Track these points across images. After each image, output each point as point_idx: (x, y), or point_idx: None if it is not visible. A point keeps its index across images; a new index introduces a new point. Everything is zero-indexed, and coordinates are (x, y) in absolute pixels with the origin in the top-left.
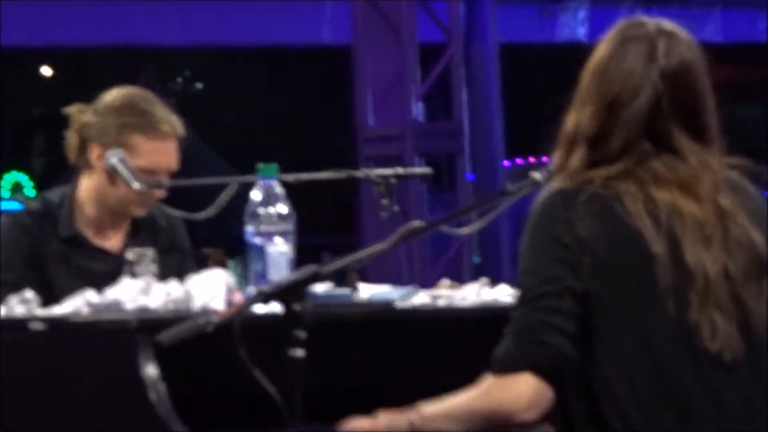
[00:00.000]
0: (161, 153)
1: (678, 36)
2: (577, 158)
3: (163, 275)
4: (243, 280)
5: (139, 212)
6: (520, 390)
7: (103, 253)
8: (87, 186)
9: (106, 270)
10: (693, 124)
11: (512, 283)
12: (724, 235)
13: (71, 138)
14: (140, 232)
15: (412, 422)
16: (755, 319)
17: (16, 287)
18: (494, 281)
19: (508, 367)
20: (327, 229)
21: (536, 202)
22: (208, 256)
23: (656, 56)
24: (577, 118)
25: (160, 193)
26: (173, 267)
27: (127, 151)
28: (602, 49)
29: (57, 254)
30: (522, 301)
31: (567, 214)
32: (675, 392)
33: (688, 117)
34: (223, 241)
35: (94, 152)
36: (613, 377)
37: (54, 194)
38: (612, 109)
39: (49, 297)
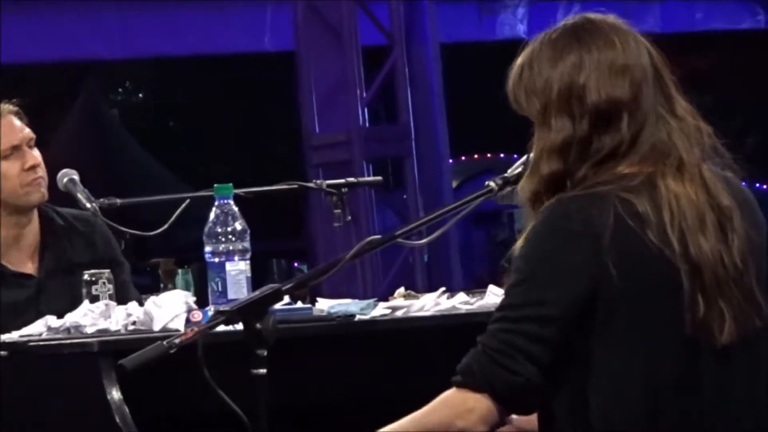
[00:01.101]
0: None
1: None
2: (603, 151)
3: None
4: (192, 288)
5: (34, 198)
6: (474, 405)
7: (21, 277)
8: None
9: (30, 295)
10: (675, 93)
11: (464, 282)
12: (718, 226)
13: None
14: (49, 243)
15: None
16: (753, 310)
17: None
18: (444, 279)
19: (467, 382)
20: (274, 234)
21: (546, 210)
22: (157, 266)
23: (633, 37)
24: (577, 117)
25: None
26: (92, 244)
27: None
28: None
29: None
30: (503, 316)
31: (582, 228)
32: (674, 419)
33: (674, 87)
34: (172, 250)
35: None
36: (610, 400)
37: None
38: (630, 85)
39: None
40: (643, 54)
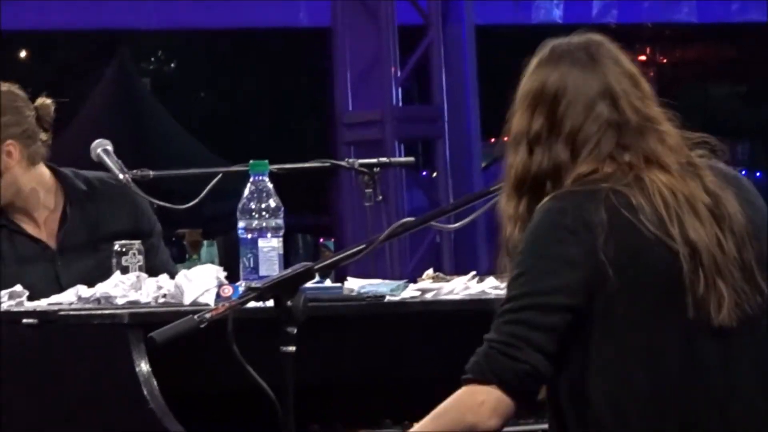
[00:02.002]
0: None
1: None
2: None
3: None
4: (216, 261)
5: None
6: (484, 398)
7: (32, 240)
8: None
9: (35, 255)
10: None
11: (490, 266)
12: (712, 211)
13: None
14: (74, 215)
15: None
16: (751, 292)
17: None
18: (470, 263)
19: (476, 377)
20: (301, 209)
21: (542, 205)
22: (183, 237)
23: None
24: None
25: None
26: (125, 215)
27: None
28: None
29: None
30: (505, 310)
31: (575, 222)
32: (681, 404)
33: (626, 96)
34: (199, 221)
35: None
36: (618, 388)
37: None
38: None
39: None
40: (623, 79)
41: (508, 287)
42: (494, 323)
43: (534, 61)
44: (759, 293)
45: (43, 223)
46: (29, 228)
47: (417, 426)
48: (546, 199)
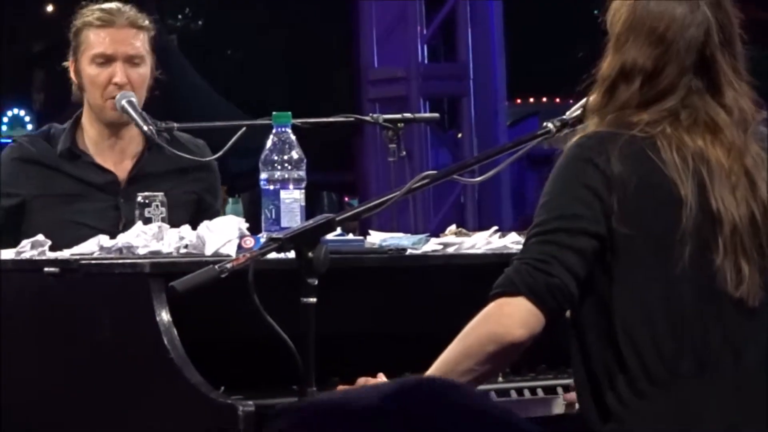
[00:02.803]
0: (110, 40)
1: None
2: (625, 96)
3: (177, 196)
4: (242, 216)
5: (111, 115)
6: (512, 309)
7: (102, 170)
8: (85, 109)
9: (102, 183)
10: (732, 54)
11: (513, 223)
12: (749, 185)
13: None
14: (150, 152)
15: None
16: None
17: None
18: (494, 220)
19: (505, 290)
20: (326, 166)
21: (570, 142)
22: None
23: (703, 14)
24: (621, 57)
25: (120, 80)
26: (190, 190)
27: (84, 50)
28: None
29: (50, 171)
30: (535, 233)
31: (599, 158)
32: (696, 340)
33: (730, 47)
34: (224, 178)
35: (71, 69)
36: (634, 322)
37: (65, 123)
38: (665, 42)
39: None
40: (697, 30)
41: (537, 213)
42: (523, 245)
43: None
44: None
45: (118, 161)
46: (104, 161)
47: (446, 351)
48: (576, 136)
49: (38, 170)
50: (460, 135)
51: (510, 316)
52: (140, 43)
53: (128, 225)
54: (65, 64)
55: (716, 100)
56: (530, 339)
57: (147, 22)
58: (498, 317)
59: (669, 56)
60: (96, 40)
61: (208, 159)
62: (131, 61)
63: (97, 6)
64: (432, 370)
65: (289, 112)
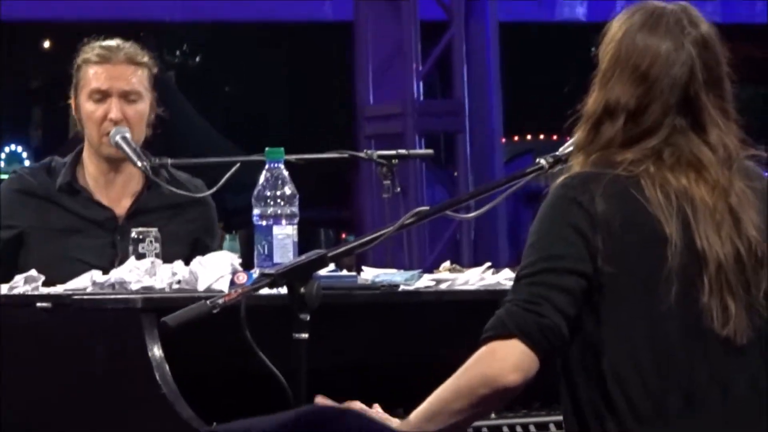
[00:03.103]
0: (106, 76)
1: (693, 9)
2: (609, 134)
3: (172, 231)
4: (239, 253)
5: (107, 150)
6: (506, 353)
7: (101, 206)
8: (85, 144)
9: (100, 219)
10: (718, 94)
11: (510, 261)
12: (734, 222)
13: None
14: (150, 191)
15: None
16: (764, 306)
17: None
18: (490, 258)
19: (497, 332)
20: (324, 203)
21: (555, 183)
22: None
23: (684, 26)
24: (605, 95)
25: (115, 116)
26: (187, 226)
27: (83, 87)
28: (623, 26)
29: (48, 205)
30: (523, 274)
31: (583, 197)
32: (682, 378)
33: (716, 86)
34: (221, 215)
35: (73, 105)
36: (621, 361)
37: (66, 157)
38: (648, 80)
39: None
40: (683, 76)
41: (524, 254)
42: (512, 288)
43: (635, 19)
44: (763, 307)
45: (116, 199)
46: (102, 197)
47: (432, 396)
48: (560, 177)
49: (37, 203)
50: (456, 173)
51: (503, 360)
52: (137, 80)
53: (124, 262)
54: (68, 101)
55: (701, 138)
56: (524, 383)
57: (146, 59)
58: (491, 361)
59: (653, 95)
60: (93, 77)
61: (203, 194)
62: (127, 97)
63: (98, 43)
64: (424, 407)
65: (282, 148)
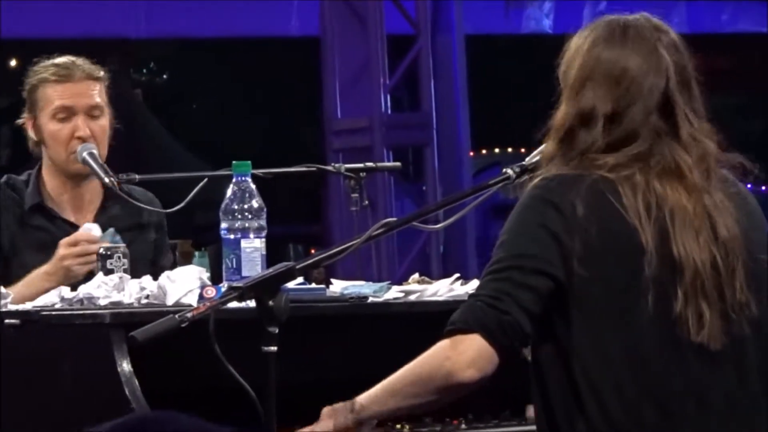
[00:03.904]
0: (69, 94)
1: (654, 17)
2: (587, 140)
3: (138, 250)
4: (208, 269)
5: (75, 167)
6: (464, 347)
7: (67, 223)
8: (45, 163)
9: (66, 236)
10: (690, 94)
11: (478, 273)
12: (711, 229)
13: (25, 124)
14: (109, 206)
15: (353, 409)
16: (739, 313)
17: None
18: (459, 270)
19: (457, 327)
20: (293, 218)
21: (531, 184)
22: (174, 247)
23: (653, 31)
24: (578, 104)
25: (84, 133)
26: (149, 242)
27: (43, 107)
28: (587, 39)
29: (19, 224)
30: (490, 270)
31: (560, 200)
32: (657, 386)
33: (687, 87)
34: (189, 231)
35: (28, 126)
36: (594, 367)
37: (22, 175)
38: (623, 84)
39: (6, 269)
40: (657, 76)
41: (494, 252)
42: (479, 283)
43: (600, 32)
44: (748, 316)
45: (80, 215)
46: (68, 215)
47: (393, 376)
48: (537, 178)
49: (11, 219)
50: (424, 186)
51: (461, 354)
52: (98, 94)
53: (90, 277)
54: (19, 122)
55: (678, 142)
56: (481, 379)
57: (102, 73)
58: (450, 354)
59: (631, 97)
60: (55, 95)
61: (170, 210)
62: (91, 113)
63: (50, 62)
64: (385, 383)
65: (249, 162)
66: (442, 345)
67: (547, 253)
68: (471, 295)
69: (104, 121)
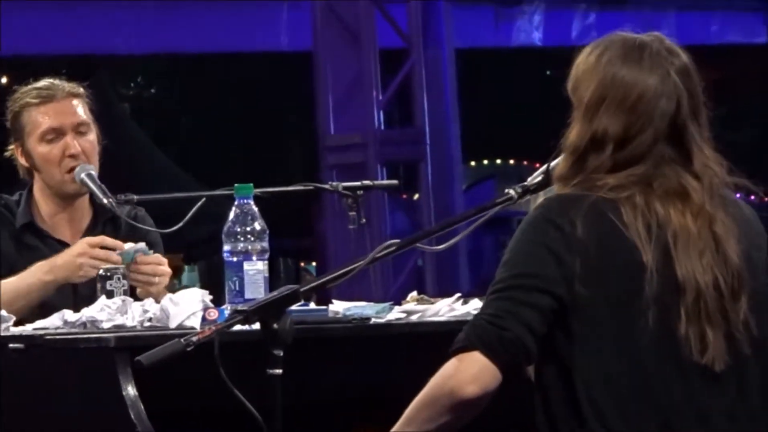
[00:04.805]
0: (55, 114)
1: (667, 39)
2: (596, 163)
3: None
4: (197, 285)
5: (72, 187)
6: (466, 365)
7: (61, 244)
8: (37, 185)
9: None
10: (701, 122)
11: (471, 287)
12: (715, 251)
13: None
14: (98, 225)
15: None
16: (742, 333)
17: None
18: (452, 284)
19: (461, 345)
20: (281, 232)
21: (536, 204)
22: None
23: (666, 56)
24: (592, 126)
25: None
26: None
27: (30, 131)
28: (601, 57)
29: (13, 242)
30: (493, 290)
31: (561, 220)
32: (659, 403)
33: (698, 114)
34: (180, 246)
35: (17, 153)
36: (596, 384)
37: (14, 195)
38: (638, 110)
39: None
40: (668, 102)
41: (498, 271)
42: (483, 303)
43: (614, 51)
44: (749, 337)
45: (72, 235)
46: (60, 234)
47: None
48: (541, 200)
49: (6, 238)
50: (416, 196)
51: (463, 372)
52: (83, 111)
53: (81, 298)
54: (8, 152)
55: (687, 168)
56: (484, 394)
57: (82, 90)
58: (453, 372)
59: (642, 124)
60: (40, 118)
61: (167, 231)
62: (78, 130)
63: (30, 86)
64: (403, 415)
65: (251, 184)
66: (447, 365)
67: (549, 272)
68: (475, 316)
69: (92, 136)
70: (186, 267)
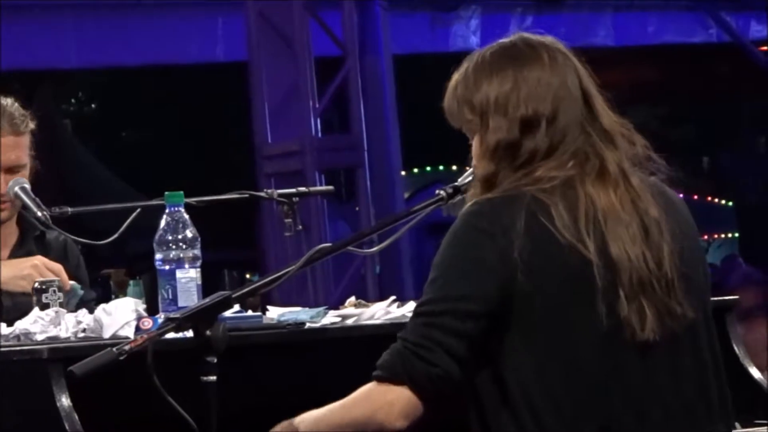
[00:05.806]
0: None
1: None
2: (531, 146)
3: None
4: (143, 298)
5: (4, 215)
6: (394, 398)
7: None
8: None
9: None
10: (600, 94)
11: (415, 292)
12: (641, 228)
13: None
14: (26, 243)
15: None
16: (673, 309)
17: None
18: (395, 290)
19: (388, 376)
20: (226, 244)
21: (462, 211)
22: (109, 276)
23: (554, 44)
24: (515, 115)
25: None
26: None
27: None
28: (484, 60)
29: None
30: (421, 311)
31: (495, 229)
32: (596, 404)
33: (598, 99)
34: (123, 260)
35: None
36: (533, 388)
37: None
38: (553, 85)
39: None
40: (570, 74)
41: (426, 289)
42: (410, 323)
43: (499, 52)
44: (681, 311)
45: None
46: None
47: (325, 409)
48: (468, 204)
49: None
50: (357, 207)
51: (392, 405)
52: (22, 150)
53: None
54: None
55: (605, 135)
56: (410, 424)
57: (30, 124)
58: (381, 404)
59: (562, 96)
60: None
61: (102, 242)
62: (12, 170)
63: None
64: (321, 418)
65: (181, 192)
66: (372, 392)
67: (479, 290)
68: (401, 337)
69: (25, 172)
70: (131, 281)
